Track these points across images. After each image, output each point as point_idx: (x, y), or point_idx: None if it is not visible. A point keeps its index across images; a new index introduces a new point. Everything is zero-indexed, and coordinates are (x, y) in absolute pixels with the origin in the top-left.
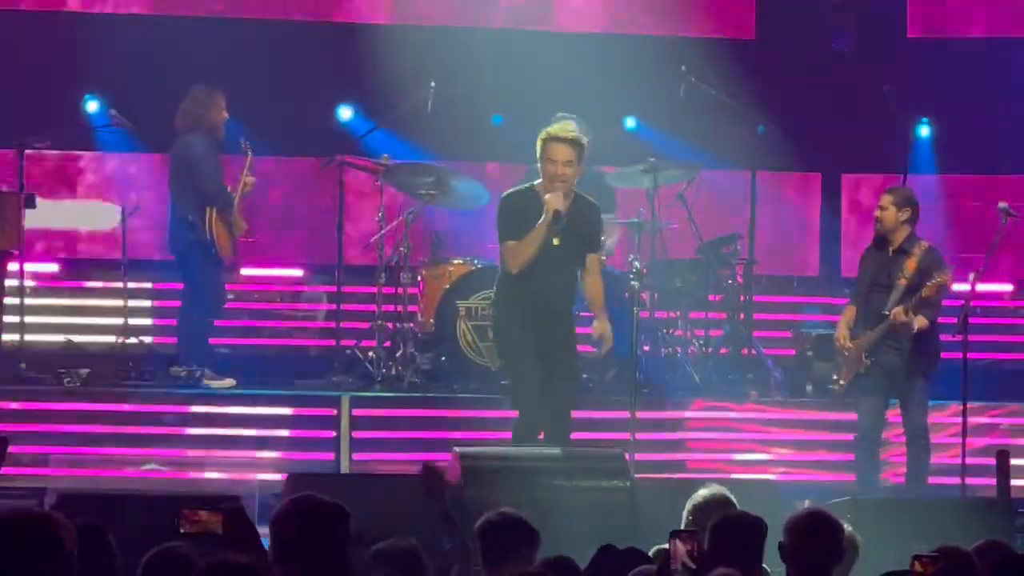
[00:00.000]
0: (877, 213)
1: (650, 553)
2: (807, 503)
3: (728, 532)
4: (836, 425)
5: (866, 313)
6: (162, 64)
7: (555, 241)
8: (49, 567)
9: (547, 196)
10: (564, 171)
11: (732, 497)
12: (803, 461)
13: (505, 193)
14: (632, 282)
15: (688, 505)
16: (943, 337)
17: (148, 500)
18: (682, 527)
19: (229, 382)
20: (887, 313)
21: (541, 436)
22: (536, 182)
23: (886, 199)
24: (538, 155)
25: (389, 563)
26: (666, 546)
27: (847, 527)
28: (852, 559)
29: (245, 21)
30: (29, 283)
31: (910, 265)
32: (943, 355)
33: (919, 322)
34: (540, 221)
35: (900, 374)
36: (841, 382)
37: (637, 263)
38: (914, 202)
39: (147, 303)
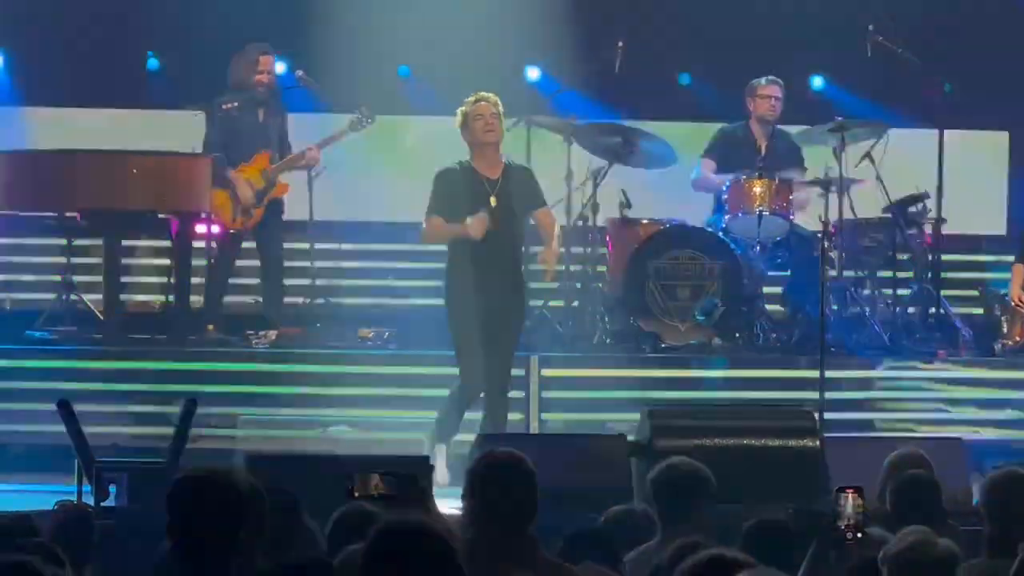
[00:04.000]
0: None
1: None
2: (1001, 464)
3: (908, 491)
4: None
5: None
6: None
7: (492, 201)
8: (243, 524)
9: (469, 220)
10: (492, 121)
11: (927, 456)
12: (991, 420)
13: (439, 169)
14: (820, 241)
15: (885, 464)
16: None
17: (335, 462)
18: (878, 486)
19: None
20: None
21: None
22: (467, 158)
23: None
24: (462, 124)
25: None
26: None
27: None
28: None
29: None
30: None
31: None
32: None
33: None
34: (458, 229)
35: None
36: (1017, 338)
37: (825, 222)
38: None
39: (333, 264)
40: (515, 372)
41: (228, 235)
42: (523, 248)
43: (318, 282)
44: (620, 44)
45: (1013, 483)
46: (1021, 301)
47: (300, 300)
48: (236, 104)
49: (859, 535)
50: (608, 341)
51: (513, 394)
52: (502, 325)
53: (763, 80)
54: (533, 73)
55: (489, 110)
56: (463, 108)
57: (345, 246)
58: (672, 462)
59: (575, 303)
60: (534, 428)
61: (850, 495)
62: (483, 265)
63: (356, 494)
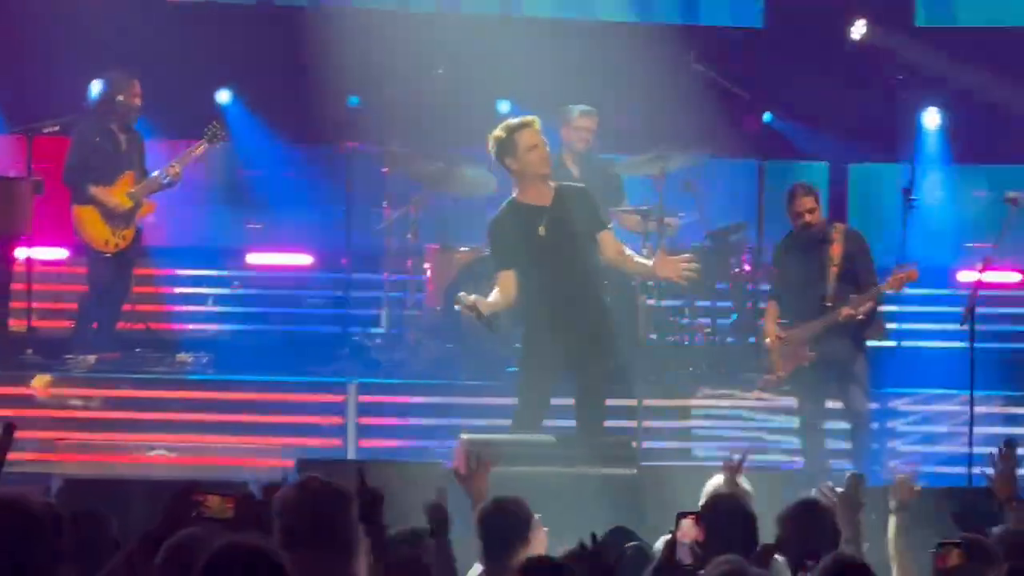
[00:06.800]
0: (809, 218)
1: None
2: (814, 491)
3: (721, 517)
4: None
5: (799, 305)
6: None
7: (541, 231)
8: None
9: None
10: (545, 151)
11: (747, 486)
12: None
13: (489, 220)
14: None
15: (703, 492)
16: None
17: (154, 486)
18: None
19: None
20: (829, 304)
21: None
22: (514, 195)
23: (810, 201)
24: (505, 153)
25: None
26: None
27: None
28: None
29: (248, 8)
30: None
31: (835, 251)
32: (942, 344)
33: (865, 306)
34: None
35: (848, 360)
36: (780, 374)
37: (644, 251)
38: (817, 189)
39: (152, 289)
40: (332, 399)
41: (102, 258)
42: (592, 271)
43: (137, 307)
44: (440, 71)
45: (806, 513)
46: (775, 336)
47: (119, 324)
48: (101, 126)
49: (695, 562)
50: (426, 368)
51: (332, 420)
52: (576, 362)
53: (576, 110)
54: (353, 100)
55: (540, 137)
56: (502, 134)
57: (164, 271)
58: (497, 500)
59: (394, 329)
60: (351, 454)
61: (690, 521)
62: (547, 302)
63: (193, 514)
